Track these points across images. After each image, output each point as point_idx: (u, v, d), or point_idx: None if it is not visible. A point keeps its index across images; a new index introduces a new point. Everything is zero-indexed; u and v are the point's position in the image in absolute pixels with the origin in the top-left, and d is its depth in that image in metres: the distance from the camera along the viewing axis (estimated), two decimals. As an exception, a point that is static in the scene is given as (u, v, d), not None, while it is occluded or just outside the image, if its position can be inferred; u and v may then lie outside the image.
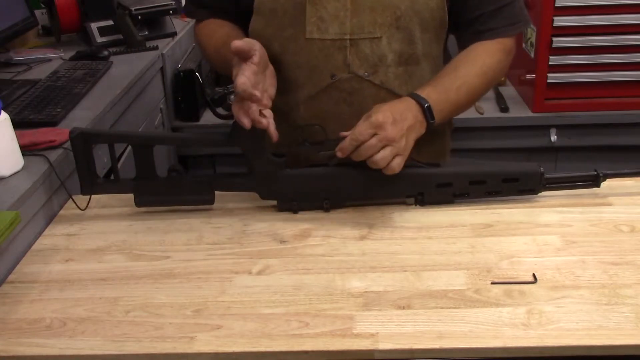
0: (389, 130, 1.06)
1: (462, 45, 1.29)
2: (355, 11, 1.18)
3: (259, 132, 1.07)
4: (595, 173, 1.16)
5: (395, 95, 1.22)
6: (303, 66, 1.21)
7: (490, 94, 2.38)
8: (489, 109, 2.33)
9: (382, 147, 1.06)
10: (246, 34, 1.25)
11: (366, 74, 1.20)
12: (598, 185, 1.17)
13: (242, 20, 1.28)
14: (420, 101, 1.13)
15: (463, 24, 1.26)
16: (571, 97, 2.32)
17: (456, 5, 1.23)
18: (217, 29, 1.30)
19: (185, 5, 1.39)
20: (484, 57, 1.24)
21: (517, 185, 1.15)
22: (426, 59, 1.24)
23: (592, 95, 2.30)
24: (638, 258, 1.00)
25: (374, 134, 1.05)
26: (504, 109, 2.28)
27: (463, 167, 1.15)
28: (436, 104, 1.14)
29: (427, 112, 1.13)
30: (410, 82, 1.23)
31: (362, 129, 1.06)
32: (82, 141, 1.12)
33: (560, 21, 2.19)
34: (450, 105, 1.17)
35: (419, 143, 1.15)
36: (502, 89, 2.47)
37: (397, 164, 1.07)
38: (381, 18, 1.18)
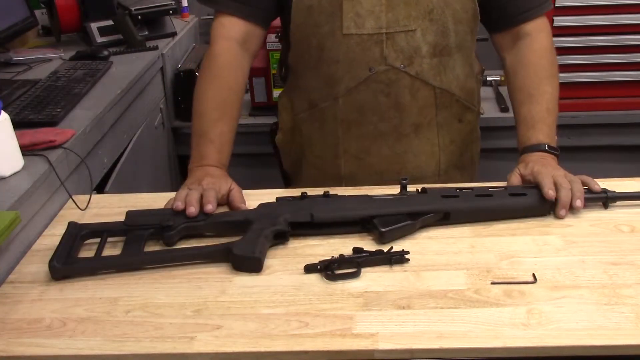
0: (549, 169, 1.14)
1: (497, 31, 1.34)
2: (389, 6, 1.23)
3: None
4: (605, 195, 1.13)
5: (429, 86, 1.28)
6: (341, 61, 1.26)
7: (490, 93, 2.38)
8: (489, 109, 2.31)
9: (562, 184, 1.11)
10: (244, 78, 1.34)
11: (402, 65, 1.25)
12: (606, 207, 1.14)
13: (264, 20, 1.31)
14: (539, 149, 1.22)
15: (495, 10, 1.30)
16: (571, 97, 2.31)
17: None
18: (222, 90, 1.30)
19: None
20: (541, 62, 1.31)
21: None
22: (459, 51, 1.29)
23: (592, 95, 2.30)
24: (638, 258, 1.00)
25: (554, 181, 1.11)
26: (504, 109, 2.27)
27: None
28: (547, 138, 1.23)
29: (549, 150, 1.22)
30: (444, 72, 1.29)
31: (545, 184, 1.11)
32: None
33: (560, 21, 2.18)
34: (551, 126, 1.26)
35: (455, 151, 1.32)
36: (502, 89, 2.45)
37: (579, 190, 1.11)
38: (415, 11, 1.24)
